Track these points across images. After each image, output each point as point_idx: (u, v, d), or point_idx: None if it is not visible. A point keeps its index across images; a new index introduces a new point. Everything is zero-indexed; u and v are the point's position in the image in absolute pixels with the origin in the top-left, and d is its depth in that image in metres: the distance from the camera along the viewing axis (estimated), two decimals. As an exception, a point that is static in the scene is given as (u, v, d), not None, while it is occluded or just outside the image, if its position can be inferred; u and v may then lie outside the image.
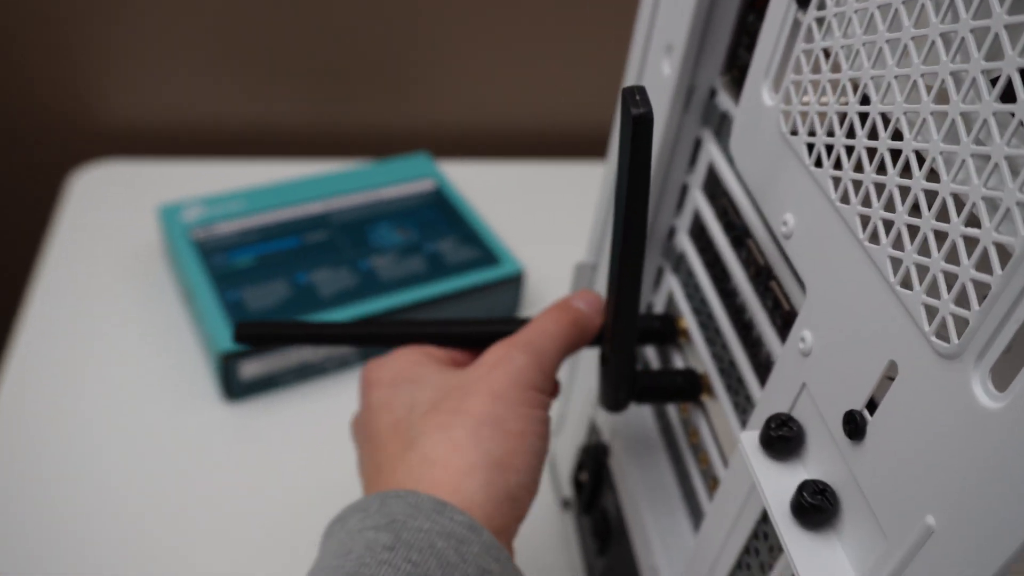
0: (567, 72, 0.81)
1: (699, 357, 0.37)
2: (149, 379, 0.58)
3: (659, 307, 0.42)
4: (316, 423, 0.57)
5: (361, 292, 0.60)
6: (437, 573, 0.28)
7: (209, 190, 0.67)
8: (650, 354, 0.43)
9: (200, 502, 0.52)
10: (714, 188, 0.36)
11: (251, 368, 0.57)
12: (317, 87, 0.80)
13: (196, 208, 0.65)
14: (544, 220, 0.73)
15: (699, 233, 0.38)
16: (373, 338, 0.39)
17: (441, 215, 0.68)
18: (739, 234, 0.34)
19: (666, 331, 0.39)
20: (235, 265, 0.61)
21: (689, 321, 0.38)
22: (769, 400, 0.28)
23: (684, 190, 0.39)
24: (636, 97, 0.25)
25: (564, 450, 0.52)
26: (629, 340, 0.34)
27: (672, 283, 0.40)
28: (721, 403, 0.35)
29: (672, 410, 0.41)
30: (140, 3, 0.72)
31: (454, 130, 0.85)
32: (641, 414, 0.44)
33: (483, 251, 0.65)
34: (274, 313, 0.58)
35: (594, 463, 0.46)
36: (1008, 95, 0.18)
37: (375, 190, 0.69)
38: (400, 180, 0.71)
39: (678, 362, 0.40)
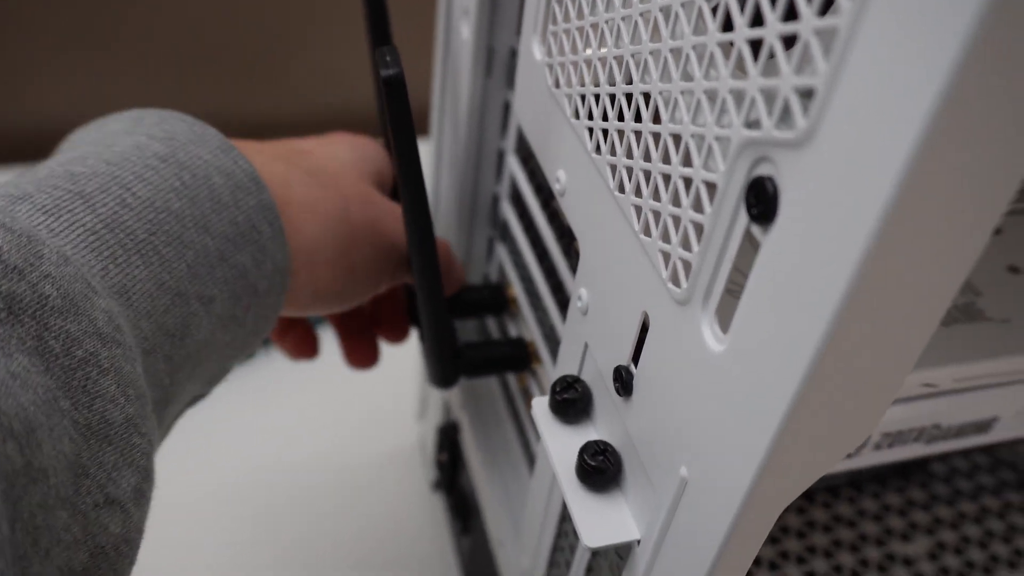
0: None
1: (527, 325, 0.37)
2: None
3: (494, 277, 0.41)
4: (212, 421, 0.54)
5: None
6: (206, 202, 0.25)
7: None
8: (492, 326, 0.42)
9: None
10: (526, 151, 0.35)
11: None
12: (187, 79, 0.77)
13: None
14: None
15: (518, 199, 0.37)
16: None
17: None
18: (547, 196, 0.33)
19: (496, 301, 0.39)
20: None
21: (516, 289, 0.38)
22: (562, 363, 0.27)
23: (501, 156, 0.38)
24: (387, 58, 0.24)
25: (429, 432, 0.51)
26: (439, 313, 0.33)
27: (501, 252, 0.40)
28: (547, 370, 0.34)
29: (512, 380, 0.40)
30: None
31: (321, 117, 0.83)
32: (487, 387, 0.43)
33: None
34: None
35: (448, 442, 0.45)
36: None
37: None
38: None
39: (514, 332, 0.39)
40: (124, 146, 0.25)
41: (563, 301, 0.32)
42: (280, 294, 0.29)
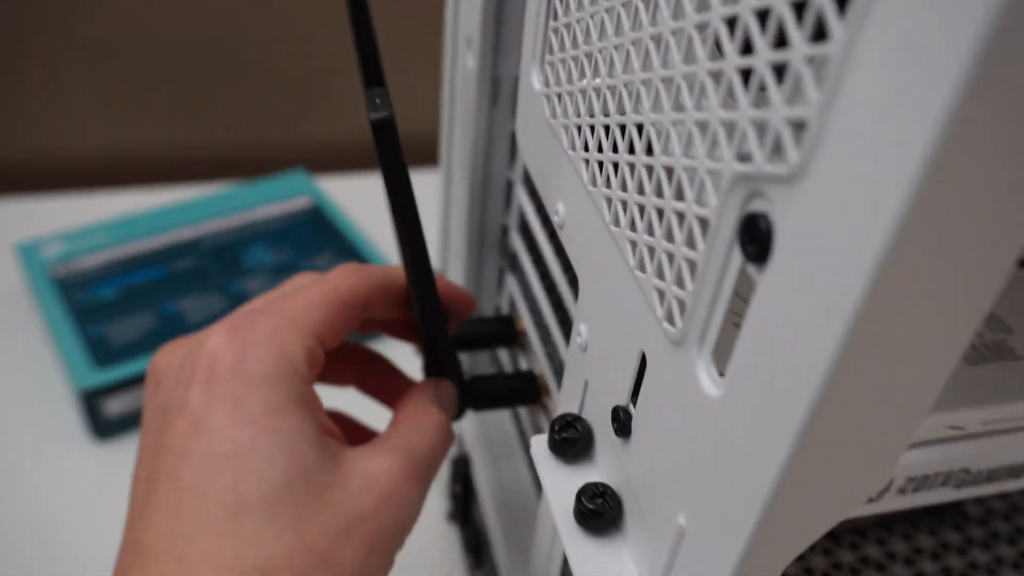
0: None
1: (537, 358, 0.36)
2: (13, 423, 0.56)
3: (505, 309, 0.41)
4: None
5: (230, 317, 0.57)
6: None
7: (77, 224, 0.65)
8: (504, 358, 0.41)
9: (66, 542, 0.49)
10: (533, 182, 0.35)
11: (116, 404, 0.54)
12: (189, 109, 0.78)
13: (55, 244, 0.62)
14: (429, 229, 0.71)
15: (526, 229, 0.36)
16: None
17: (318, 232, 0.66)
18: (553, 228, 0.32)
19: (507, 333, 0.38)
20: (97, 300, 0.58)
21: (526, 321, 0.37)
22: (564, 401, 0.26)
23: (510, 187, 0.38)
24: (376, 101, 0.24)
25: (444, 464, 0.50)
26: (444, 349, 0.32)
27: (511, 284, 0.39)
28: (557, 404, 0.33)
29: (524, 413, 0.39)
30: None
31: (335, 146, 0.82)
32: (499, 420, 0.42)
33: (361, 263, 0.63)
34: (139, 345, 0.55)
35: (461, 475, 0.44)
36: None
37: (248, 211, 0.67)
38: (275, 199, 0.68)
39: (524, 365, 0.39)
40: None
41: (570, 335, 0.31)
42: None
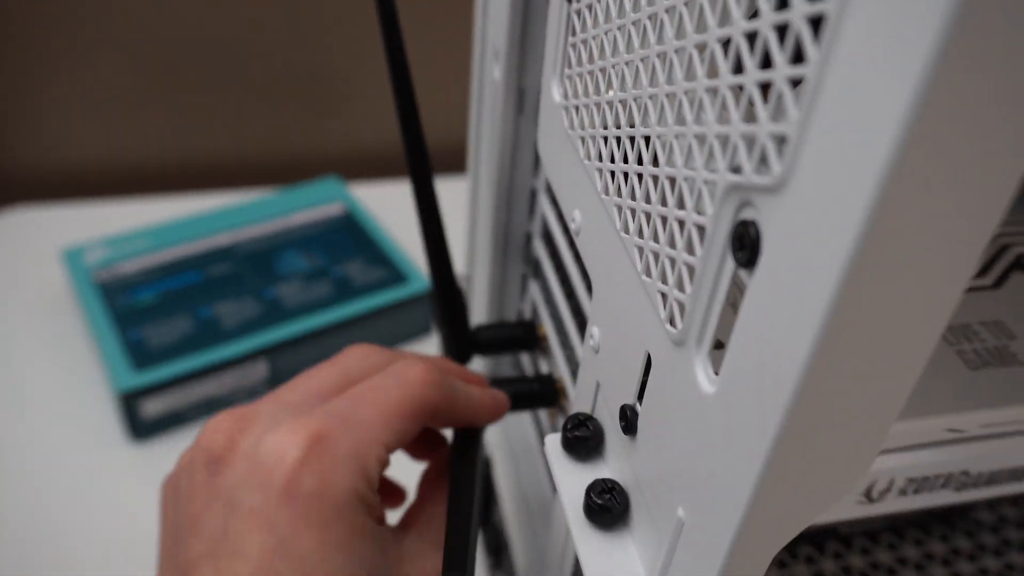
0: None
1: (556, 362, 0.37)
2: (55, 423, 0.58)
3: (527, 314, 0.42)
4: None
5: (265, 321, 0.59)
6: None
7: (119, 229, 0.67)
8: (525, 362, 0.43)
9: (103, 542, 0.51)
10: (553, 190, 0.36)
11: (154, 406, 0.56)
12: (228, 118, 0.80)
13: (99, 250, 0.64)
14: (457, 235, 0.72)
15: (548, 237, 0.37)
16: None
17: (349, 238, 0.67)
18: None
19: (528, 338, 0.39)
20: (137, 304, 0.60)
21: (547, 327, 0.38)
22: (577, 401, 0.28)
23: (534, 195, 0.39)
24: None
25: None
26: (462, 346, 0.33)
27: (534, 289, 0.40)
28: (572, 405, 0.34)
29: (544, 416, 0.40)
30: (32, 45, 0.72)
31: (368, 153, 0.84)
32: (520, 423, 0.43)
33: (391, 271, 0.64)
34: (176, 348, 0.57)
35: (483, 477, 0.45)
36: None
37: (283, 217, 0.69)
38: (308, 205, 0.70)
39: (545, 369, 0.40)
40: None
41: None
42: None
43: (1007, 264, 0.33)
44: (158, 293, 0.61)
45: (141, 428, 0.56)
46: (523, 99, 0.36)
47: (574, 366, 0.35)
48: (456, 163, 0.82)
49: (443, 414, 0.28)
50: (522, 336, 0.39)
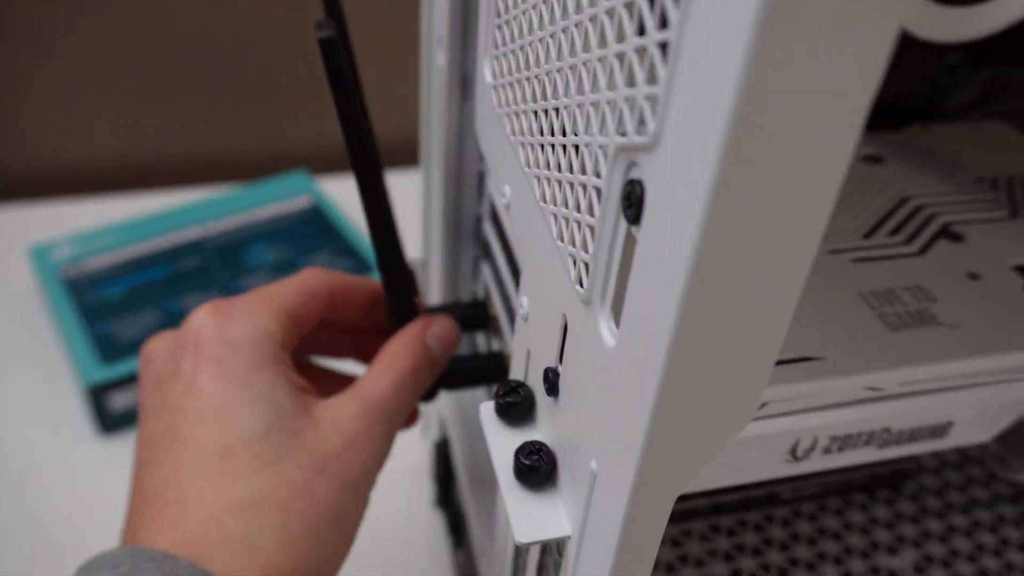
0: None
1: (506, 340, 0.38)
2: (23, 418, 0.58)
3: (481, 296, 0.43)
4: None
5: (231, 313, 0.60)
6: None
7: (87, 226, 0.67)
8: (481, 342, 0.44)
9: (74, 532, 0.52)
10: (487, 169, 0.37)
11: (122, 399, 0.57)
12: (197, 114, 0.81)
13: (66, 247, 0.65)
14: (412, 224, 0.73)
15: (496, 218, 0.38)
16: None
17: (316, 230, 0.68)
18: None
19: (480, 318, 0.40)
20: (105, 299, 0.61)
21: (498, 305, 0.39)
22: (513, 371, 0.29)
23: (481, 178, 0.40)
24: (322, 25, 0.26)
25: (427, 448, 0.52)
26: (396, 264, 0.34)
27: (485, 272, 0.41)
28: (512, 376, 0.35)
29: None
30: None
31: (338, 146, 0.85)
32: (475, 401, 0.44)
33: (357, 261, 0.65)
34: (143, 343, 0.58)
35: (442, 457, 0.46)
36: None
37: (251, 211, 0.70)
38: (276, 199, 0.71)
39: (497, 348, 0.41)
40: None
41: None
42: None
43: (933, 232, 0.34)
44: (125, 288, 0.62)
45: (109, 421, 0.57)
46: (467, 84, 0.37)
47: (521, 342, 0.36)
48: (413, 157, 0.82)
49: (339, 293, 0.33)
50: (473, 316, 0.40)
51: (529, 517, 0.24)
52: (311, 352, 0.37)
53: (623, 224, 0.18)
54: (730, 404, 0.18)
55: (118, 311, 0.60)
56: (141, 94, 0.78)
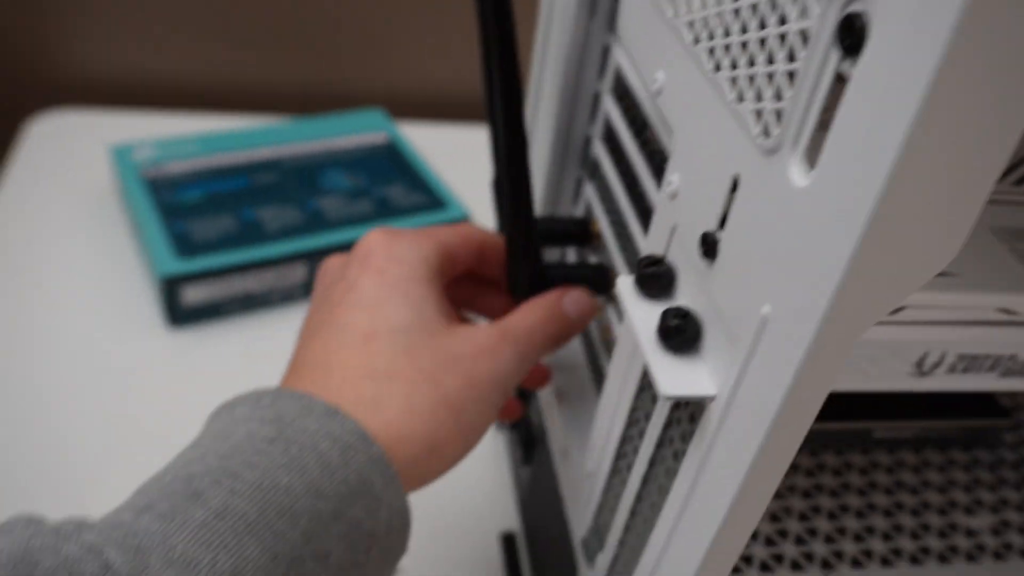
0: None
1: (610, 256, 0.39)
2: (96, 308, 0.60)
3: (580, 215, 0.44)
4: (259, 355, 0.58)
5: (306, 228, 0.61)
6: (315, 469, 0.27)
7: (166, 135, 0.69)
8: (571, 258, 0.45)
9: (139, 426, 0.53)
10: (622, 92, 0.38)
11: (194, 293, 0.58)
12: (278, 46, 0.82)
13: (147, 149, 0.66)
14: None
15: (610, 136, 0.39)
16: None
17: (391, 164, 0.70)
18: (640, 127, 0.36)
19: (581, 234, 0.41)
20: (183, 201, 0.62)
21: (602, 223, 0.40)
22: (649, 248, 0.30)
23: (596, 99, 0.41)
24: None
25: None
26: (527, 227, 0.36)
27: (588, 191, 0.42)
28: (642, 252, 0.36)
29: (593, 328, 0.42)
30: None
31: (415, 93, 0.86)
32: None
33: (430, 196, 0.66)
34: (219, 244, 0.59)
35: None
36: None
37: (327, 139, 0.71)
38: (353, 131, 0.72)
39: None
40: (238, 437, 0.28)
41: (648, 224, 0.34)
42: (403, 529, 0.30)
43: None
44: (204, 193, 0.63)
45: (180, 315, 0.58)
46: (596, 1, 0.38)
47: (629, 255, 0.37)
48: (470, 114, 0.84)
49: (488, 247, 0.38)
50: (575, 231, 0.41)
51: (673, 374, 0.25)
52: (454, 298, 0.39)
53: (833, 59, 0.19)
54: (931, 243, 0.18)
55: (196, 213, 0.61)
56: (226, 18, 0.80)
